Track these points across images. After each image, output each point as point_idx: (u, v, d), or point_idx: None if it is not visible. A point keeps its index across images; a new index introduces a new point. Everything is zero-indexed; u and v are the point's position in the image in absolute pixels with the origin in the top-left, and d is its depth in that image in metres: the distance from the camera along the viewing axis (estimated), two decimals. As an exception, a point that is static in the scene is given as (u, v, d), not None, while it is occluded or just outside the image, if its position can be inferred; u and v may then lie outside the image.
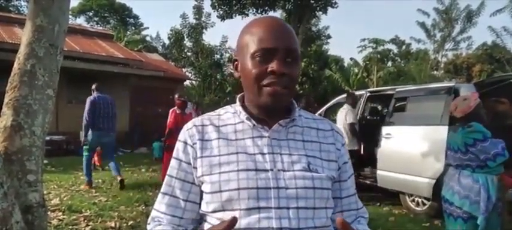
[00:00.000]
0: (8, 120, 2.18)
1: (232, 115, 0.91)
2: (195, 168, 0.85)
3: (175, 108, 6.28)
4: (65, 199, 4.83)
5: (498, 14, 17.56)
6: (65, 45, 2.89)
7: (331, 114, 7.21)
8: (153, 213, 0.90)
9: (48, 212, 3.70)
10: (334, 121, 5.78)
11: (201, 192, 0.86)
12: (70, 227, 3.75)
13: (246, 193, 0.78)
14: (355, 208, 0.95)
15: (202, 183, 0.84)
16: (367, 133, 5.67)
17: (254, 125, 0.86)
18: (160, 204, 0.89)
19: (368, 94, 6.21)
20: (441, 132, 4.09)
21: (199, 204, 0.87)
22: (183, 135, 0.90)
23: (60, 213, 4.15)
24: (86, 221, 3.93)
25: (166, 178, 0.91)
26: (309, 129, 0.91)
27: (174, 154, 0.90)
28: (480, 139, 2.44)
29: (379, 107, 7.58)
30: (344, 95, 6.30)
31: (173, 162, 0.90)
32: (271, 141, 0.84)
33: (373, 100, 7.15)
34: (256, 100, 0.85)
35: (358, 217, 0.95)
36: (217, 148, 0.85)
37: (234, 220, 0.72)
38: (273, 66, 0.80)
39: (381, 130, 5.05)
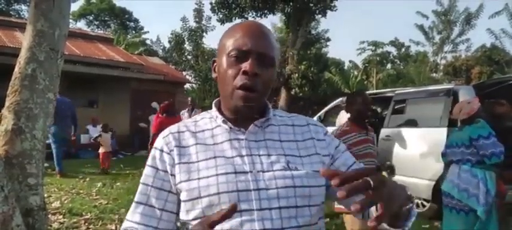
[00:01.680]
0: (8, 123, 2.20)
1: (209, 121, 0.91)
2: (173, 175, 0.83)
3: (159, 112, 6.25)
4: (65, 202, 4.83)
5: (496, 16, 17.67)
6: (66, 49, 2.91)
7: (330, 116, 7.21)
8: (126, 224, 0.86)
9: (49, 216, 3.71)
10: (334, 123, 5.79)
11: (179, 201, 0.83)
12: (70, 230, 3.76)
13: (226, 197, 0.77)
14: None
15: (181, 191, 0.82)
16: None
17: (231, 128, 0.86)
18: (134, 214, 0.86)
19: (367, 96, 6.20)
20: (440, 134, 4.11)
21: (176, 213, 0.85)
22: (159, 142, 0.87)
23: (61, 216, 4.16)
24: (86, 224, 3.93)
25: (141, 186, 0.86)
26: (285, 126, 0.91)
27: (150, 162, 0.87)
28: (484, 135, 2.63)
29: (379, 109, 7.58)
30: (342, 98, 6.28)
31: (148, 170, 0.86)
32: (248, 143, 0.84)
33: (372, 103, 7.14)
34: (229, 102, 0.85)
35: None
36: (195, 154, 0.83)
37: (234, 206, 0.66)
38: (246, 66, 0.80)
39: (380, 132, 5.06)
